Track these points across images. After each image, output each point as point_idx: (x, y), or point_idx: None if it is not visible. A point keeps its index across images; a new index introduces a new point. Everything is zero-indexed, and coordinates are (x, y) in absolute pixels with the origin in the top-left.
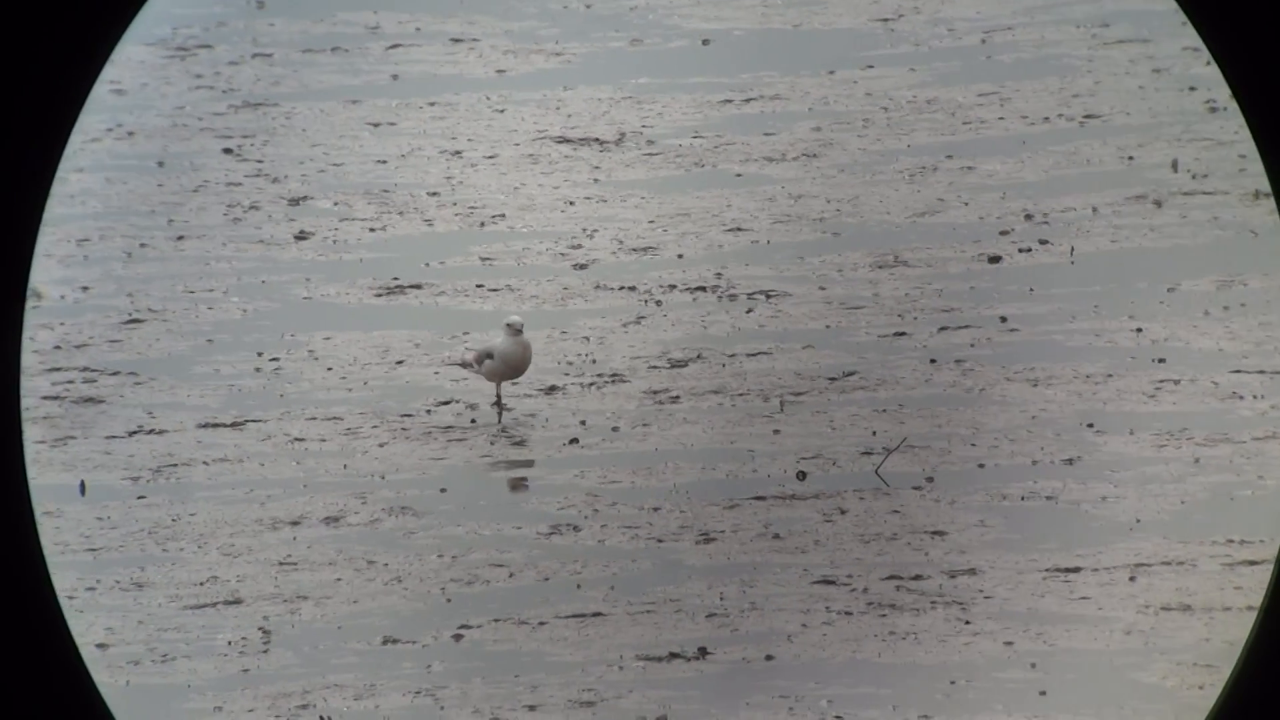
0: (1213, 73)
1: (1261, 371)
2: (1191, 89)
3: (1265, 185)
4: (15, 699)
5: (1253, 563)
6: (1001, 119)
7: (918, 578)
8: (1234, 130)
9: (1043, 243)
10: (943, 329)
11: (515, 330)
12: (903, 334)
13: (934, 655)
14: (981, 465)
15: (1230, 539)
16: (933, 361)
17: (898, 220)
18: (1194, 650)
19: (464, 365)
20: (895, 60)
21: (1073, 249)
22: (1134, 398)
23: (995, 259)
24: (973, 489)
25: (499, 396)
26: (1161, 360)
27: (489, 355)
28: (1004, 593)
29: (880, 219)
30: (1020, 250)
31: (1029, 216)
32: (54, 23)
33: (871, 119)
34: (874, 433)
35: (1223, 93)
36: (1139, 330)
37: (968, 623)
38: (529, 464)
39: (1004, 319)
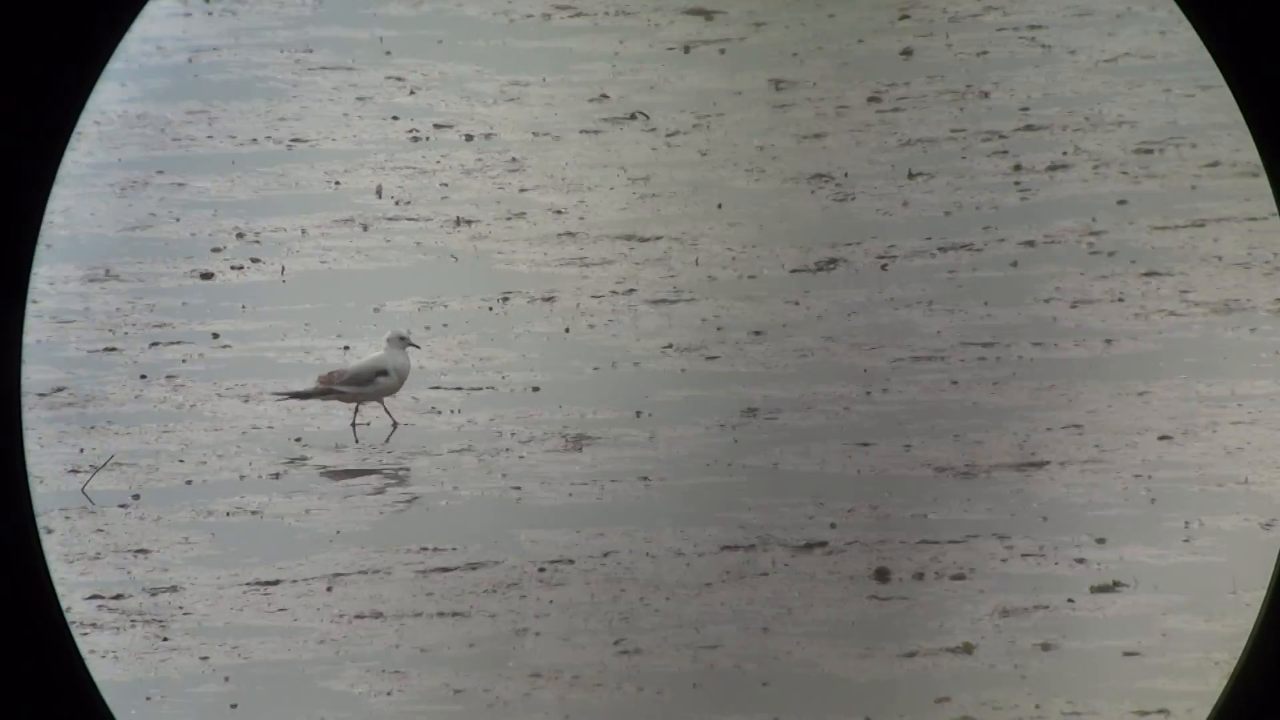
0: (416, 102)
1: (459, 388)
2: (395, 118)
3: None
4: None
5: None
6: (211, 137)
7: (119, 596)
8: (436, 160)
9: (255, 261)
10: (154, 344)
11: (408, 342)
12: (114, 349)
13: (131, 672)
14: (189, 482)
15: (424, 547)
16: (143, 377)
17: (110, 233)
18: (383, 657)
19: (308, 396)
20: (107, 75)
21: (284, 268)
22: (340, 418)
23: (208, 275)
24: (179, 505)
25: (389, 411)
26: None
27: (382, 373)
28: (203, 608)
29: (91, 232)
30: (233, 268)
31: (241, 235)
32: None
33: (83, 131)
34: (81, 450)
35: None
36: (346, 348)
37: (166, 639)
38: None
39: (216, 335)
